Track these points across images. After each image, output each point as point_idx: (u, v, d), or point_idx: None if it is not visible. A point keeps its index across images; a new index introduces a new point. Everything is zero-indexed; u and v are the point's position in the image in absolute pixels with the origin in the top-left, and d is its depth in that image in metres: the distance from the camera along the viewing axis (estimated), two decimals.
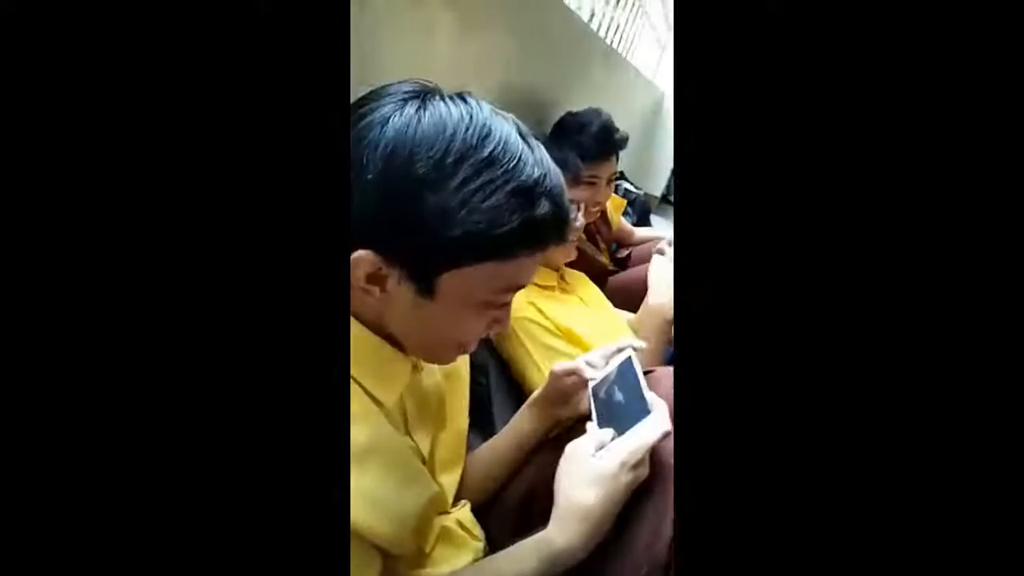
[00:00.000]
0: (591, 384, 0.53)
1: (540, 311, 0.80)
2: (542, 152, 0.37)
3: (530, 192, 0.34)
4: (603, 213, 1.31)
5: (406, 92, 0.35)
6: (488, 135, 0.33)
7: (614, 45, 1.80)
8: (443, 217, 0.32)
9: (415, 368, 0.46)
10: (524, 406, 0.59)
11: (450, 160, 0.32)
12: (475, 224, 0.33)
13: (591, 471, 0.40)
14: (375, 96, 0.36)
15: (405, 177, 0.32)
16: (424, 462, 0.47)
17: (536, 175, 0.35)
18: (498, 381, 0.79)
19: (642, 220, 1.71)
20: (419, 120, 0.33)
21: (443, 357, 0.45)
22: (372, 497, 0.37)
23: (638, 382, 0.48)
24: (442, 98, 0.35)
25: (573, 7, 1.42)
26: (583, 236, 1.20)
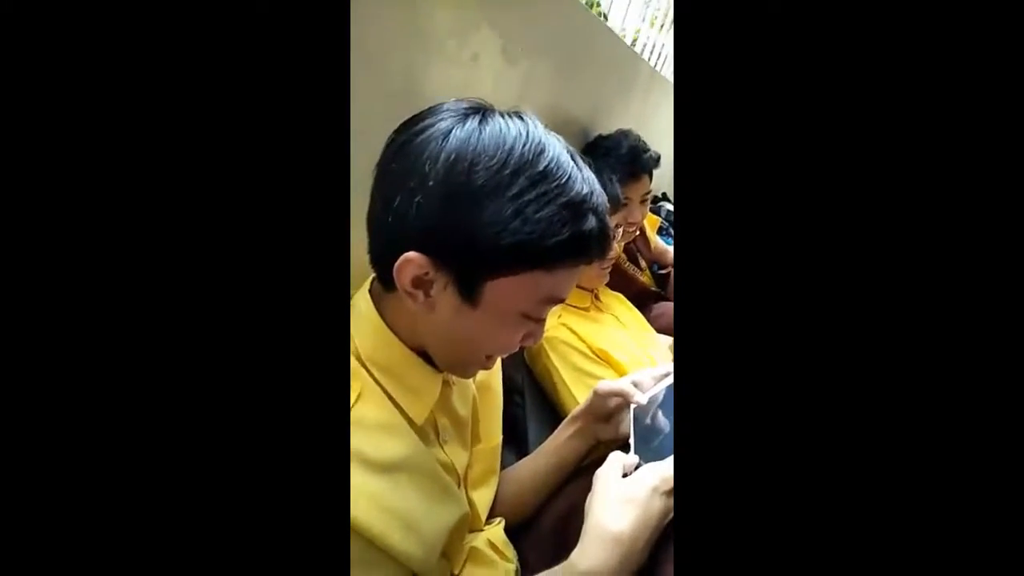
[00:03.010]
0: (633, 407, 0.51)
1: (573, 332, 0.78)
2: (589, 172, 0.37)
3: (579, 207, 0.35)
4: (642, 233, 1.28)
5: (466, 108, 0.36)
6: (543, 151, 0.34)
7: (657, 67, 1.78)
8: (497, 225, 0.33)
9: (446, 383, 0.46)
10: (565, 421, 0.57)
11: (507, 172, 0.33)
12: (527, 234, 0.33)
13: (620, 493, 0.38)
14: (432, 112, 0.37)
15: (465, 184, 0.33)
16: (458, 478, 0.47)
17: (584, 192, 0.35)
18: (534, 401, 0.77)
19: None
20: (480, 133, 0.34)
21: (469, 369, 0.45)
22: (402, 514, 0.37)
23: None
24: (500, 115, 0.36)
25: (616, 30, 1.41)
26: (623, 256, 1.17)
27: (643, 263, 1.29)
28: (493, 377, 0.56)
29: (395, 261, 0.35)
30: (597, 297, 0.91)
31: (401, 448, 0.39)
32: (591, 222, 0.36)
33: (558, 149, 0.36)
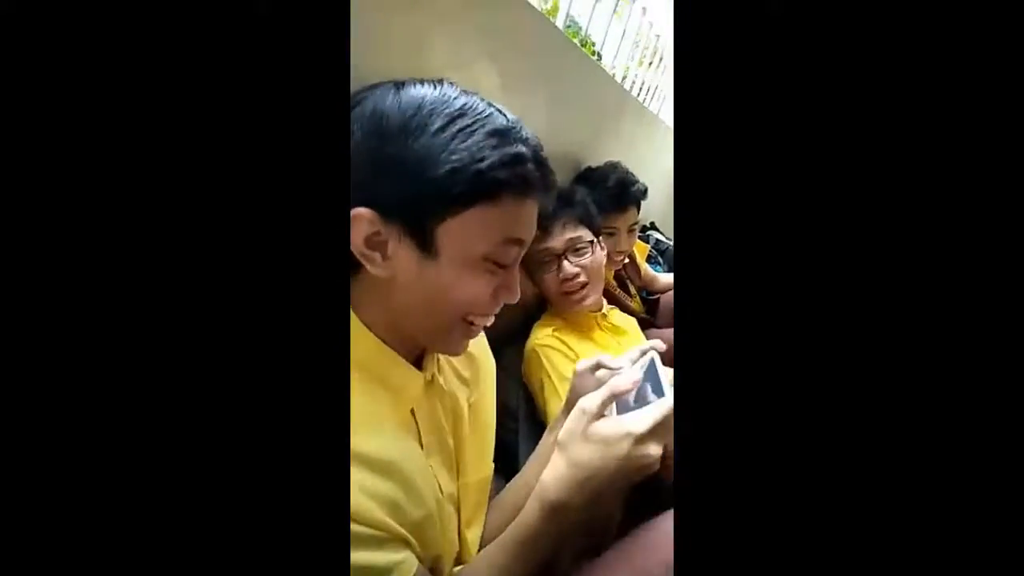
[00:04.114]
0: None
1: (563, 342, 0.79)
2: (513, 116, 0.38)
3: (505, 134, 0.35)
4: (632, 260, 1.30)
5: (389, 81, 0.38)
6: (457, 96, 0.36)
7: (645, 103, 1.83)
8: (426, 160, 0.34)
9: (431, 384, 0.44)
10: (548, 427, 0.56)
11: (424, 112, 0.34)
12: (456, 162, 0.34)
13: (591, 429, 0.38)
14: (365, 88, 0.38)
15: (385, 132, 0.34)
16: (440, 489, 0.45)
17: (508, 123, 0.36)
18: (527, 426, 0.76)
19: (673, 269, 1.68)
20: (397, 92, 0.36)
21: (452, 338, 0.41)
22: (383, 493, 0.36)
23: (658, 377, 0.45)
24: (417, 81, 0.38)
25: (607, 68, 1.46)
26: (614, 283, 1.18)
27: (633, 290, 1.30)
28: (486, 400, 0.54)
29: None
30: (604, 317, 0.90)
31: (381, 441, 0.37)
32: (520, 147, 0.36)
33: (475, 98, 0.37)
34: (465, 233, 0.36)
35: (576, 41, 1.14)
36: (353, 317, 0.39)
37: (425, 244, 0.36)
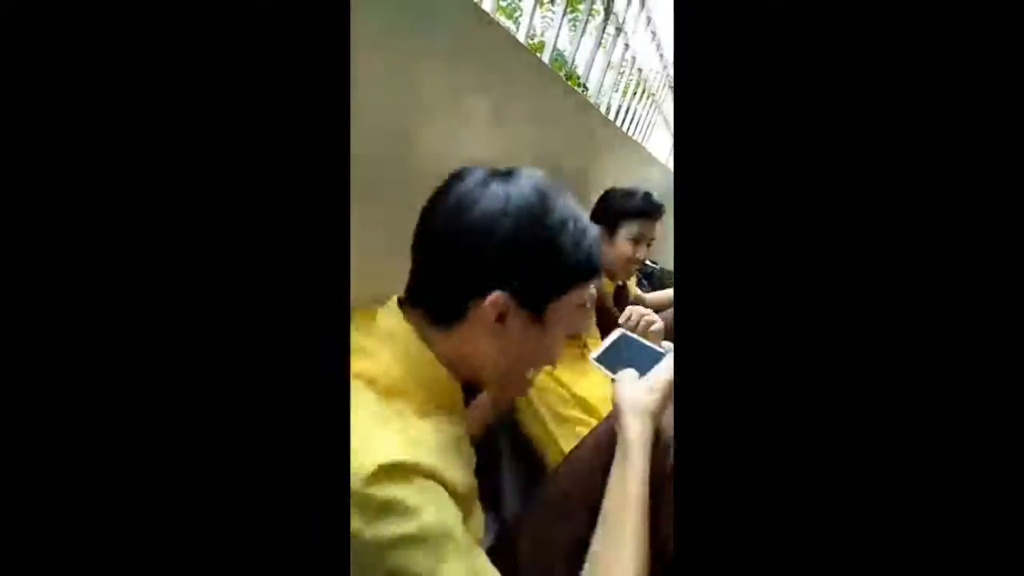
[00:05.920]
0: (591, 356, 0.60)
1: (555, 380, 0.78)
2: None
3: (592, 226, 0.44)
4: (623, 284, 1.30)
5: (495, 174, 0.43)
6: (560, 194, 0.43)
7: (630, 132, 1.87)
8: (564, 258, 0.41)
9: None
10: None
11: (556, 211, 0.41)
12: (583, 254, 0.42)
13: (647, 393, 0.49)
14: (481, 178, 0.42)
15: (532, 227, 0.40)
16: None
17: (585, 216, 0.44)
18: (509, 462, 0.75)
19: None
20: (527, 188, 0.41)
21: (524, 387, 0.49)
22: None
23: (639, 342, 0.56)
24: (521, 173, 0.43)
25: (592, 99, 1.49)
26: (610, 298, 1.18)
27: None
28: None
29: (469, 300, 0.40)
30: (586, 344, 0.90)
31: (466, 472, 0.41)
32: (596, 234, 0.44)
33: (558, 189, 0.43)
34: (567, 307, 0.43)
35: (562, 74, 1.17)
36: (433, 360, 0.43)
37: (536, 319, 0.42)
